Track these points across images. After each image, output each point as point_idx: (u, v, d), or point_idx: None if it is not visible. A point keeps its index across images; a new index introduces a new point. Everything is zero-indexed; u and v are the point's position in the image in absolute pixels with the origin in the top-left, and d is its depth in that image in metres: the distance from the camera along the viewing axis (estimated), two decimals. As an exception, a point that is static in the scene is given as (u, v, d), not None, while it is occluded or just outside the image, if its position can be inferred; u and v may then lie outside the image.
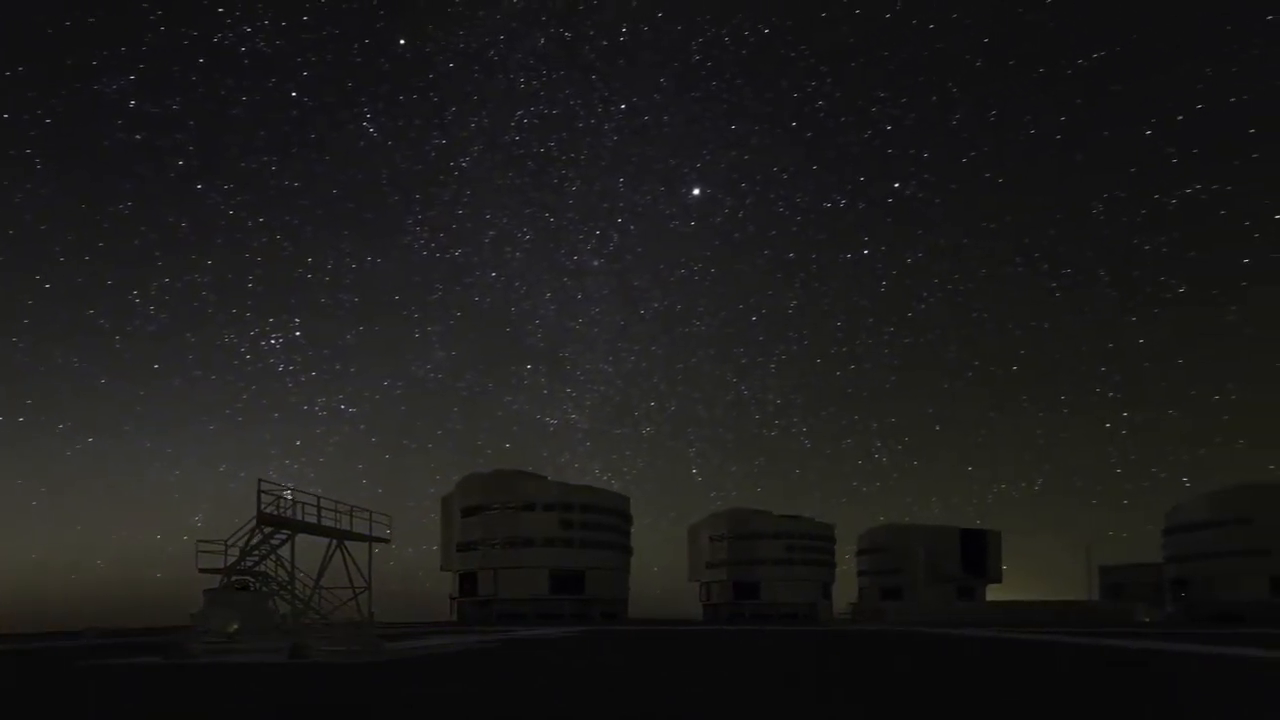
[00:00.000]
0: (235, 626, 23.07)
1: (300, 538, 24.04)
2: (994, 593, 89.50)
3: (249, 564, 22.50)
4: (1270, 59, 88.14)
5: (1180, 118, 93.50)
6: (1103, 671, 15.78)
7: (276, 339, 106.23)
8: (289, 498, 22.26)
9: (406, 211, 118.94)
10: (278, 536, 22.65)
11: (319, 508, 23.01)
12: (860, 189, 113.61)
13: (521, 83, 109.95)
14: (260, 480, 21.20)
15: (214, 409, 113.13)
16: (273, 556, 23.01)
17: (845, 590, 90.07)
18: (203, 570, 22.13)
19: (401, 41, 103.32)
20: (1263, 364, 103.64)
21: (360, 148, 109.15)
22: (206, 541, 22.17)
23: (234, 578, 22.63)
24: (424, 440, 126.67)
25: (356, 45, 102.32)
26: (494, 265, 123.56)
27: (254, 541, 22.19)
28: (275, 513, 21.97)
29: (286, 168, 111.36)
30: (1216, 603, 69.87)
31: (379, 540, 25.66)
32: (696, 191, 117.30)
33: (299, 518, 22.54)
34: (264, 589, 23.45)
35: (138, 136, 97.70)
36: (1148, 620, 72.91)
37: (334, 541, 24.34)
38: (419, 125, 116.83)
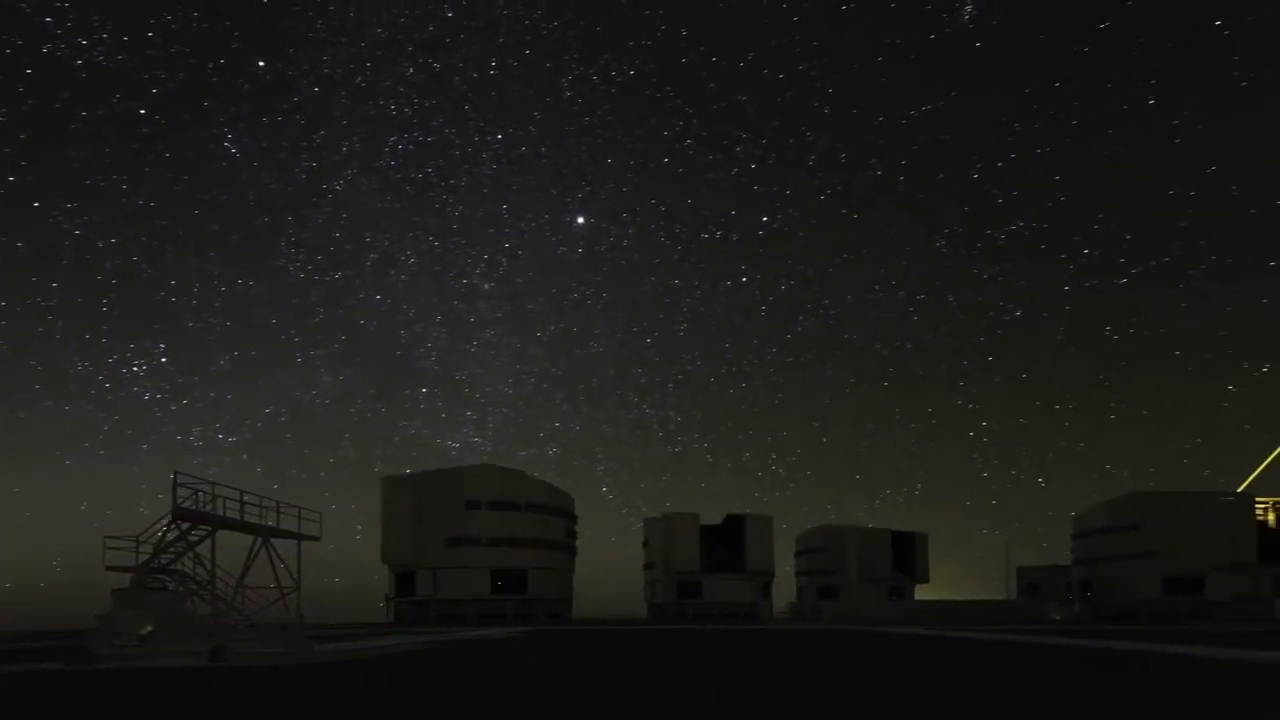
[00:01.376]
0: (148, 629, 21.22)
1: (224, 535, 22.31)
2: (922, 592, 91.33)
3: (163, 562, 20.68)
4: (1062, 121, 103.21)
5: (999, 164, 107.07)
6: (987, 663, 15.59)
7: (139, 365, 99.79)
8: (208, 491, 20.53)
9: (279, 233, 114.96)
10: (196, 532, 20.88)
11: (242, 502, 21.33)
12: (733, 221, 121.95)
13: (392, 109, 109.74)
14: (176, 473, 19.51)
15: (71, 442, 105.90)
16: (190, 554, 21.22)
17: (784, 590, 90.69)
18: (110, 569, 20.22)
19: (261, 63, 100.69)
20: (1088, 378, 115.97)
21: (222, 168, 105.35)
22: (115, 538, 20.29)
23: (148, 576, 20.78)
24: (314, 468, 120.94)
25: (210, 65, 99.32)
26: (378, 288, 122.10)
27: (169, 538, 20.38)
28: (193, 507, 20.23)
29: (139, 186, 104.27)
30: (1117, 602, 73.95)
31: (308, 538, 24.05)
32: (581, 220, 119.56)
33: (220, 513, 20.82)
34: (181, 588, 21.63)
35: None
36: (1058, 618, 75.47)
37: (259, 539, 22.64)
38: (286, 147, 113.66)
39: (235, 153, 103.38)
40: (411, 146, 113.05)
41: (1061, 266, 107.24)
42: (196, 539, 21.04)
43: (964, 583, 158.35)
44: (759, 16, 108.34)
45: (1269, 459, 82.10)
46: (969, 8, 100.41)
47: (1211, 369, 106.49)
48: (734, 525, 78.32)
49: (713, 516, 79.69)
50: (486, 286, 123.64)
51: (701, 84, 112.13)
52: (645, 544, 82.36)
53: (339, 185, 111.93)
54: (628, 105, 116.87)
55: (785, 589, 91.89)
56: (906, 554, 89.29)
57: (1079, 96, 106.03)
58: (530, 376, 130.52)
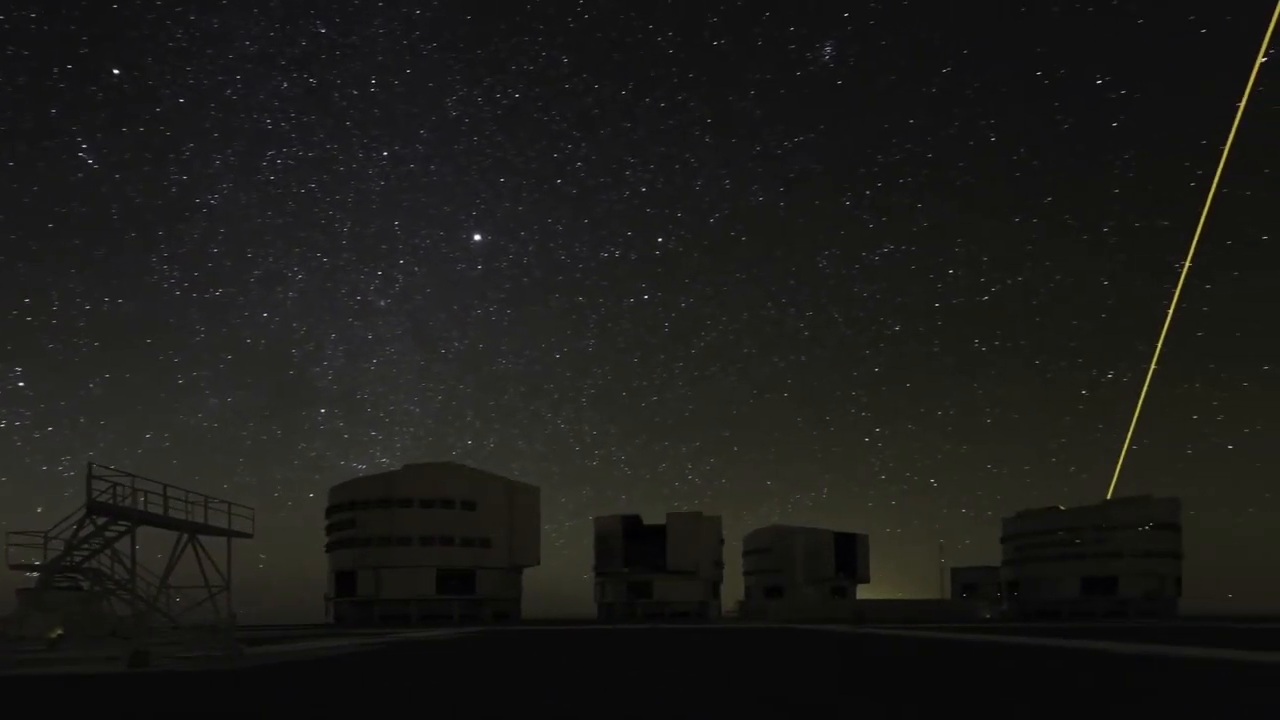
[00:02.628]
0: (59, 632, 19.31)
1: (148, 532, 20.50)
2: (863, 592, 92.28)
3: (76, 559, 18.81)
4: (918, 154, 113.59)
5: (867, 192, 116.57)
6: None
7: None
8: (127, 485, 18.75)
9: (150, 249, 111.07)
10: (114, 528, 19.07)
11: (165, 496, 19.58)
12: (630, 242, 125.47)
13: (268, 123, 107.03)
14: (91, 464, 17.73)
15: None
16: (108, 551, 19.38)
17: (732, 589, 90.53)
18: (15, 567, 18.28)
19: (116, 71, 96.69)
20: (964, 386, 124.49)
21: (79, 180, 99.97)
22: (20, 534, 18.37)
23: (59, 574, 18.89)
24: (208, 496, 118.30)
25: (57, 70, 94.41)
26: (265, 306, 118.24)
27: (83, 533, 18.54)
28: (111, 501, 18.44)
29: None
30: (1041, 600, 77.96)
31: (239, 535, 22.33)
32: (479, 237, 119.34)
33: (141, 507, 19.05)
34: (96, 588, 19.76)
35: None
36: (988, 616, 77.48)
37: (184, 535, 20.86)
38: (151, 159, 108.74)
39: (93, 164, 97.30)
40: (292, 161, 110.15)
41: (930, 285, 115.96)
42: (114, 535, 19.21)
43: (902, 582, 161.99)
44: (636, 49, 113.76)
45: (1119, 464, 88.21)
46: (828, 48, 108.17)
47: (1068, 376, 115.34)
48: (658, 526, 77.26)
49: (656, 518, 78.95)
50: (383, 303, 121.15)
51: (586, 109, 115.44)
52: (597, 545, 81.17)
53: (214, 200, 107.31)
54: (516, 127, 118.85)
55: (734, 588, 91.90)
56: (849, 555, 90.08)
57: (930, 132, 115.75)
58: (437, 394, 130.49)
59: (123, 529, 19.11)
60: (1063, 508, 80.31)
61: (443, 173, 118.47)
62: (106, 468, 18.45)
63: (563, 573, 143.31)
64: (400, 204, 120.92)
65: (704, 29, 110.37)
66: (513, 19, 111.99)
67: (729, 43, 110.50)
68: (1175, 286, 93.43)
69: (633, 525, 78.25)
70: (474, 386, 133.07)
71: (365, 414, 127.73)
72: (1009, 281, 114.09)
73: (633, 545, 77.16)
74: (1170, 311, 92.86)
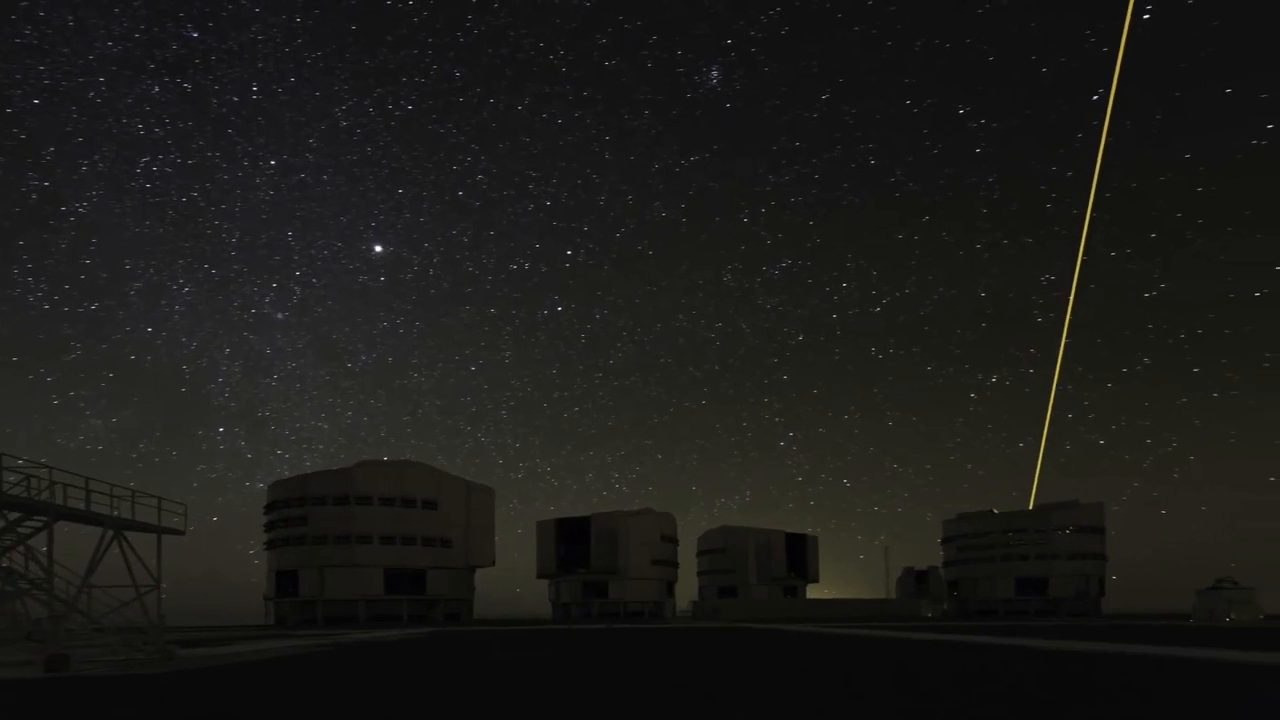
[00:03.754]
0: (-35, 635, 17.70)
1: (69, 528, 18.96)
2: (813, 591, 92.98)
3: (-15, 558, 17.22)
4: (806, 174, 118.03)
5: (762, 210, 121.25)
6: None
7: None
8: (44, 477, 17.25)
9: (11, 260, 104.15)
10: (28, 524, 17.52)
11: (88, 490, 18.09)
12: (539, 254, 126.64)
13: (140, 128, 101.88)
14: (2, 454, 16.20)
15: None
16: (21, 548, 17.82)
17: (685, 589, 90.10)
18: (-87, 565, 16.63)
19: None
20: (864, 391, 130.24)
21: None
22: (-80, 528, 16.70)
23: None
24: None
25: None
26: (148, 320, 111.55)
27: (-7, 530, 16.97)
28: (25, 494, 16.92)
29: None
30: (979, 600, 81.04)
31: (169, 531, 20.86)
32: (380, 248, 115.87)
33: (60, 501, 17.54)
34: (9, 588, 18.15)
35: None
36: (930, 615, 78.91)
37: (109, 532, 19.35)
38: (4, 163, 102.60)
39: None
40: (169, 169, 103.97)
41: (827, 298, 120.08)
42: (29, 531, 17.67)
43: (845, 582, 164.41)
44: (528, 65, 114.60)
45: (1038, 470, 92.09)
46: (714, 72, 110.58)
47: (956, 381, 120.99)
48: (583, 526, 76.61)
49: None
50: (280, 316, 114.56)
51: (484, 123, 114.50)
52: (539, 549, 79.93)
53: (82, 208, 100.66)
54: (411, 139, 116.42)
55: (689, 588, 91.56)
56: (799, 555, 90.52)
57: (814, 154, 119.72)
58: (346, 410, 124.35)
59: (38, 525, 17.57)
60: (996, 511, 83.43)
61: (336, 183, 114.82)
62: (17, 460, 16.93)
63: (511, 574, 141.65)
64: (293, 214, 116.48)
65: (594, 49, 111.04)
66: (398, 31, 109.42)
67: (620, 62, 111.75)
68: (1069, 293, 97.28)
69: (569, 527, 77.12)
70: (385, 401, 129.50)
71: (269, 432, 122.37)
72: (897, 294, 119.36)
73: (570, 548, 76.05)
74: (1066, 319, 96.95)
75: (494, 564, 70.75)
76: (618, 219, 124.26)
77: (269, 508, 64.94)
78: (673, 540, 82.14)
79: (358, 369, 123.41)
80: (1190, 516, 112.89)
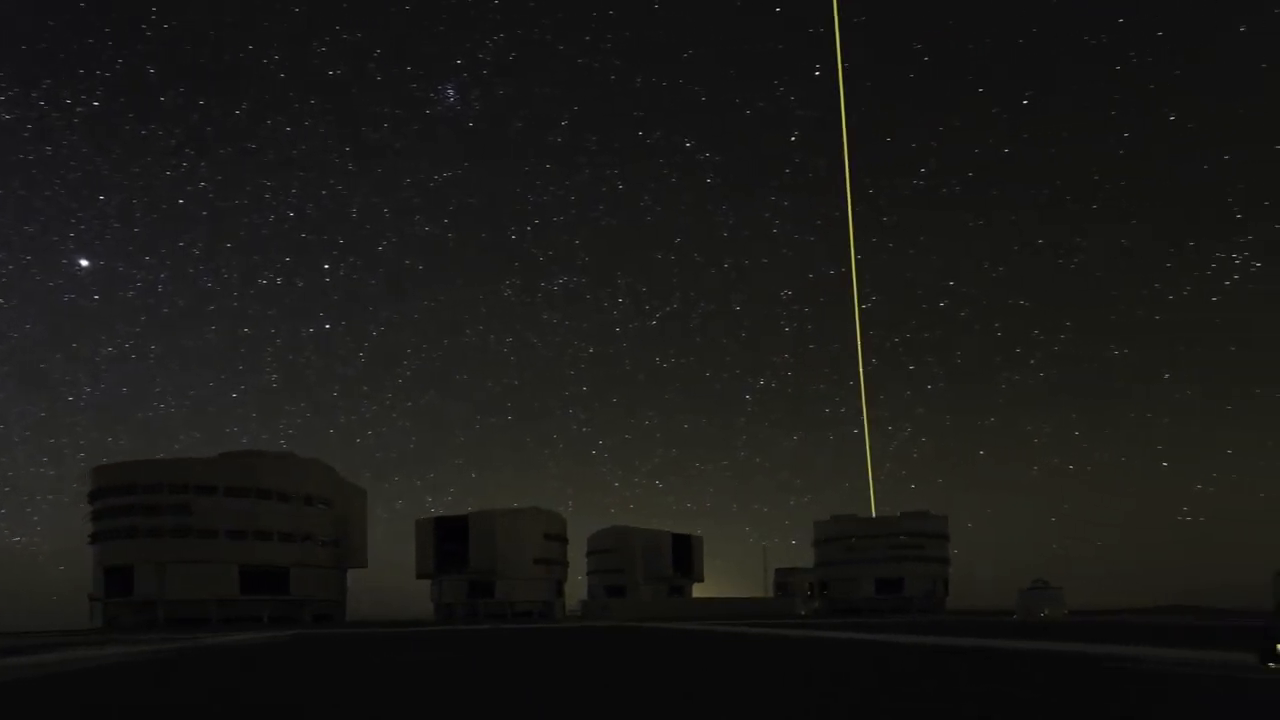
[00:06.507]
0: None
1: None
2: (698, 590, 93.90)
3: None
4: (562, 195, 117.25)
5: (529, 227, 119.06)
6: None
7: None
8: None
9: None
10: None
11: None
12: (291, 268, 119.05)
13: None
14: None
15: None
16: None
17: (574, 588, 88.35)
18: None
19: None
20: (657, 397, 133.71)
21: None
22: None
23: None
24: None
25: None
26: None
27: None
28: None
29: None
30: (845, 599, 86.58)
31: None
32: (85, 263, 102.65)
33: None
34: None
35: None
36: (803, 613, 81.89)
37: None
38: None
39: None
40: None
41: (607, 313, 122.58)
42: None
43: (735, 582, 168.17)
44: (238, 69, 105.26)
45: (870, 481, 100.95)
46: (450, 91, 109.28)
47: (729, 387, 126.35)
48: (461, 525, 73.87)
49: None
50: None
51: (195, 126, 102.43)
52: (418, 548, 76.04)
53: None
54: (106, 139, 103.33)
55: (575, 587, 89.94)
56: (684, 555, 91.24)
57: (568, 176, 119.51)
58: (76, 452, 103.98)
59: None
60: (860, 516, 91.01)
61: (11, 186, 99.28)
62: None
63: (385, 574, 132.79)
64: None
65: (313, 57, 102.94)
66: (65, 16, 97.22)
67: (349, 74, 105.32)
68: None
69: (447, 526, 73.80)
70: (127, 437, 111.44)
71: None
72: (667, 309, 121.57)
73: (450, 547, 72.67)
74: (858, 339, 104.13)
75: (365, 566, 66.57)
76: (376, 232, 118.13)
77: (94, 495, 57.41)
78: (561, 539, 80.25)
79: (83, 403, 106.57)
80: (1010, 521, 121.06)
